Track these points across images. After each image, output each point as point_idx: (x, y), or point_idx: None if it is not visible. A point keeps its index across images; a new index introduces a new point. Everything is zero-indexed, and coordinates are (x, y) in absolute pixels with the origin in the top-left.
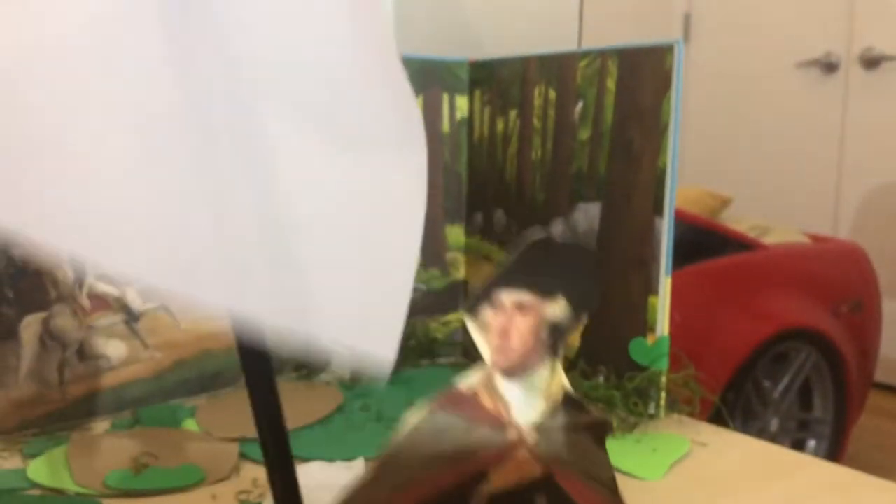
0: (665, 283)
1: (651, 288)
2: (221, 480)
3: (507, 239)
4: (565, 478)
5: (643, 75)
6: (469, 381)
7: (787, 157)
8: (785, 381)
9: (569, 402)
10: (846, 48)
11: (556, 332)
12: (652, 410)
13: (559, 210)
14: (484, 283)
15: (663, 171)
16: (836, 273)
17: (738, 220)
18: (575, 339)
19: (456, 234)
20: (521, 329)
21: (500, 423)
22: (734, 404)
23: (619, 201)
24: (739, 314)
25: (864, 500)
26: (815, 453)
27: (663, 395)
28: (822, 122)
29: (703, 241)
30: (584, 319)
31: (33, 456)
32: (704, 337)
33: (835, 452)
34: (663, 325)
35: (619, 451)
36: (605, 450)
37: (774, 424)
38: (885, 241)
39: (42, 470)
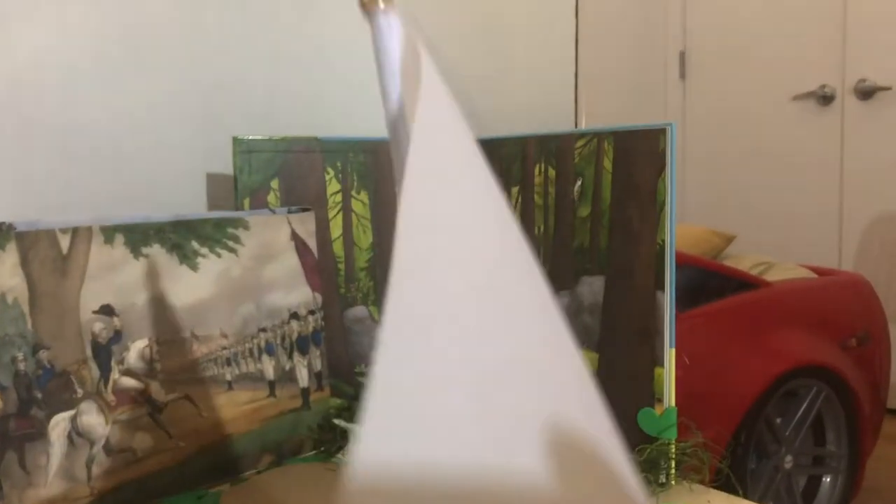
0: (670, 355)
1: (657, 359)
2: None
3: None
4: None
5: (638, 156)
6: None
7: (788, 189)
8: (797, 417)
9: None
10: (840, 80)
11: None
12: (663, 480)
13: (564, 283)
14: None
15: (662, 248)
16: (842, 307)
17: (741, 258)
18: None
19: None
20: None
21: None
22: (747, 444)
23: (621, 276)
24: (748, 354)
25: None
26: (832, 488)
27: (673, 464)
28: (820, 152)
29: (709, 283)
30: None
31: None
32: (714, 378)
33: (851, 485)
34: (670, 396)
35: None
36: None
37: (789, 461)
38: (891, 268)
39: None
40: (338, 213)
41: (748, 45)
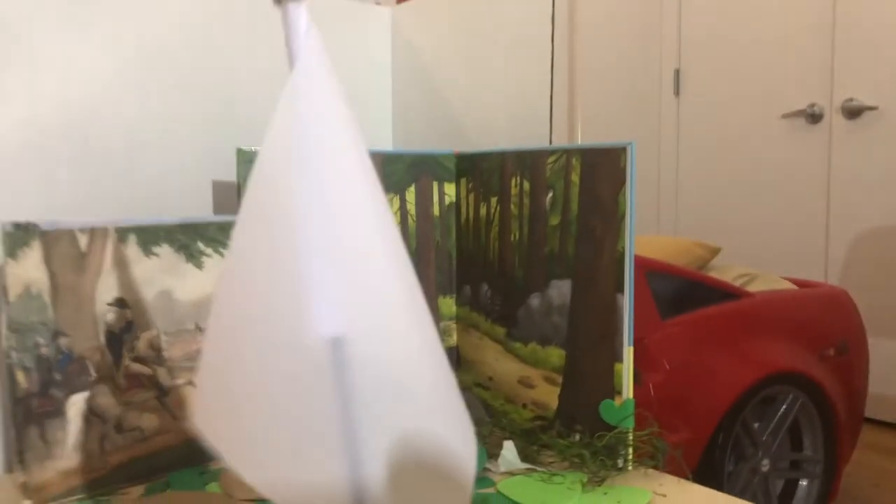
0: (628, 352)
1: (617, 356)
2: None
3: (492, 310)
4: None
5: (602, 172)
6: None
7: (777, 204)
8: (773, 422)
9: None
10: (828, 99)
11: None
12: (620, 465)
13: (536, 286)
14: None
15: (622, 255)
16: (821, 318)
17: (724, 269)
18: (553, 402)
19: (448, 305)
20: None
21: None
22: (724, 446)
23: (586, 280)
24: (727, 360)
25: None
26: (808, 492)
27: (630, 451)
28: (808, 169)
29: (692, 293)
30: None
31: None
32: (694, 383)
33: (827, 491)
34: (628, 389)
35: (589, 503)
36: None
37: (766, 465)
38: (875, 282)
39: None
40: None
41: (740, 65)
